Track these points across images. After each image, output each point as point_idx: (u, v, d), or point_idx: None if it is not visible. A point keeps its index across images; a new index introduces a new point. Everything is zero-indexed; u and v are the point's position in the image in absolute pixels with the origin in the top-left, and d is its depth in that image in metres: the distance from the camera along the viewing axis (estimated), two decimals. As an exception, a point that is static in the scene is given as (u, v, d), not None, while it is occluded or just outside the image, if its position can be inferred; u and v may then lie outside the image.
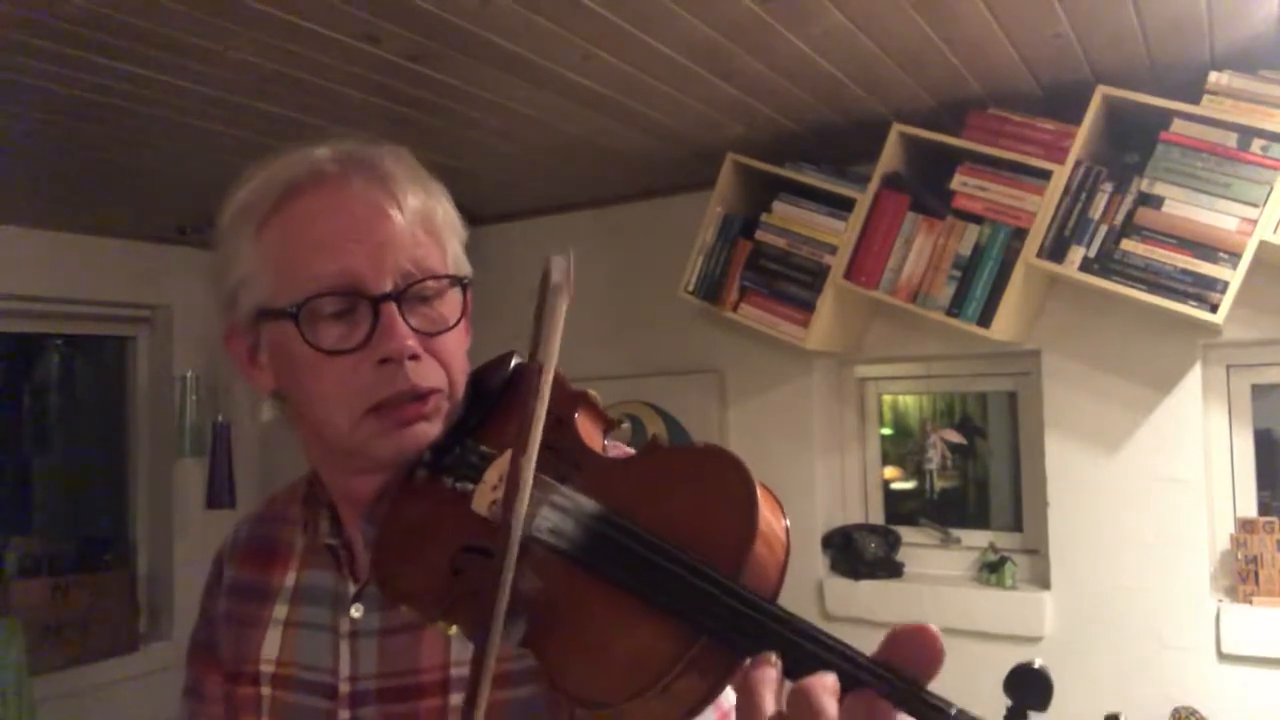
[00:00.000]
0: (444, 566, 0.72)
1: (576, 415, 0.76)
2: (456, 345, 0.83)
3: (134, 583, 3.48)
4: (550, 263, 0.71)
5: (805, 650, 0.56)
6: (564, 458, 0.72)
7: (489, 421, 0.81)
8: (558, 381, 0.72)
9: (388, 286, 0.78)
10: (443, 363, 0.81)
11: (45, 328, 3.50)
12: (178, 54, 1.79)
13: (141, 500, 3.61)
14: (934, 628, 0.55)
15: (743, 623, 0.58)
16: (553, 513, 0.68)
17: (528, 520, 0.66)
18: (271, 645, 0.90)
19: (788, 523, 0.67)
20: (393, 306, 0.77)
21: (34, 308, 3.26)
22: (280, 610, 0.91)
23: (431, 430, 0.79)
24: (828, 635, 0.57)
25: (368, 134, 0.86)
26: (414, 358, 0.78)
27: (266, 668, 0.90)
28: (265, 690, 0.89)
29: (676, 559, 0.62)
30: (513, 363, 0.85)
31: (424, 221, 0.81)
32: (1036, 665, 0.59)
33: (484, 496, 0.72)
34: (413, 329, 0.78)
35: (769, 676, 0.55)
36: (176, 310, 3.51)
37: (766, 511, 0.64)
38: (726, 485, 0.66)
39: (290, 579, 0.92)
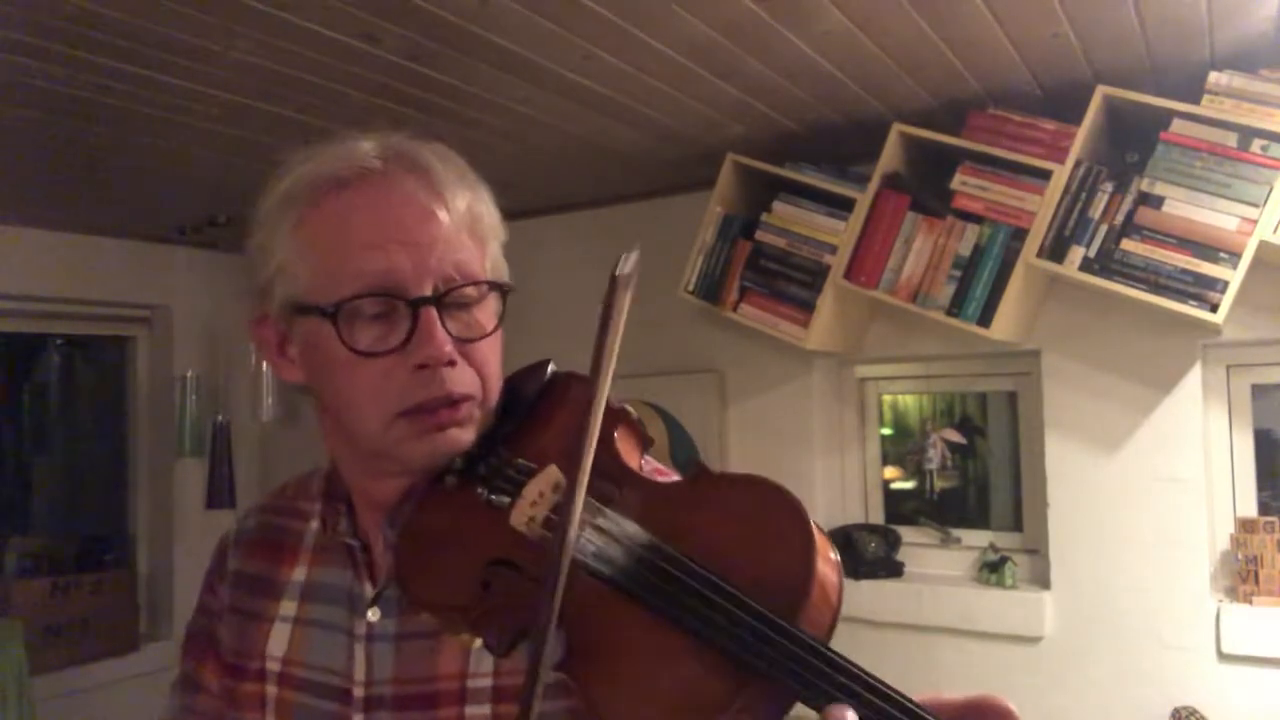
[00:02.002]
0: (472, 578, 0.70)
1: (616, 433, 0.73)
2: (492, 352, 0.81)
3: (134, 583, 3.48)
4: (620, 261, 0.68)
5: (864, 700, 0.55)
6: (605, 477, 0.70)
7: (523, 431, 0.79)
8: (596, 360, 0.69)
9: (428, 290, 0.76)
10: (478, 369, 0.79)
11: (45, 328, 3.50)
12: (178, 54, 1.79)
13: (141, 500, 3.61)
14: (1013, 708, 0.54)
15: (801, 668, 0.56)
16: (597, 537, 0.66)
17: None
18: (279, 642, 0.88)
19: (837, 557, 0.65)
20: (432, 311, 0.76)
21: (34, 308, 3.26)
22: (289, 607, 0.89)
23: (464, 436, 0.78)
24: (890, 686, 0.56)
25: (407, 131, 0.84)
26: (451, 364, 0.76)
27: (273, 665, 0.88)
28: (271, 689, 0.87)
29: (733, 598, 0.59)
30: (549, 370, 0.83)
31: (470, 224, 0.80)
32: None
33: (522, 512, 0.70)
34: (450, 334, 0.77)
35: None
36: (176, 310, 3.51)
37: (824, 552, 0.62)
38: (783, 525, 0.63)
39: (300, 574, 0.90)
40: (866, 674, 0.56)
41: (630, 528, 0.66)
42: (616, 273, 0.67)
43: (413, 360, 0.76)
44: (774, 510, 0.64)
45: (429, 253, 0.76)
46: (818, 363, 2.78)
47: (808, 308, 2.46)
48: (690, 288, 2.66)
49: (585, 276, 3.23)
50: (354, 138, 0.82)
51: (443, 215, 0.78)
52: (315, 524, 0.92)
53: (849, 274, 2.39)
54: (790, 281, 2.51)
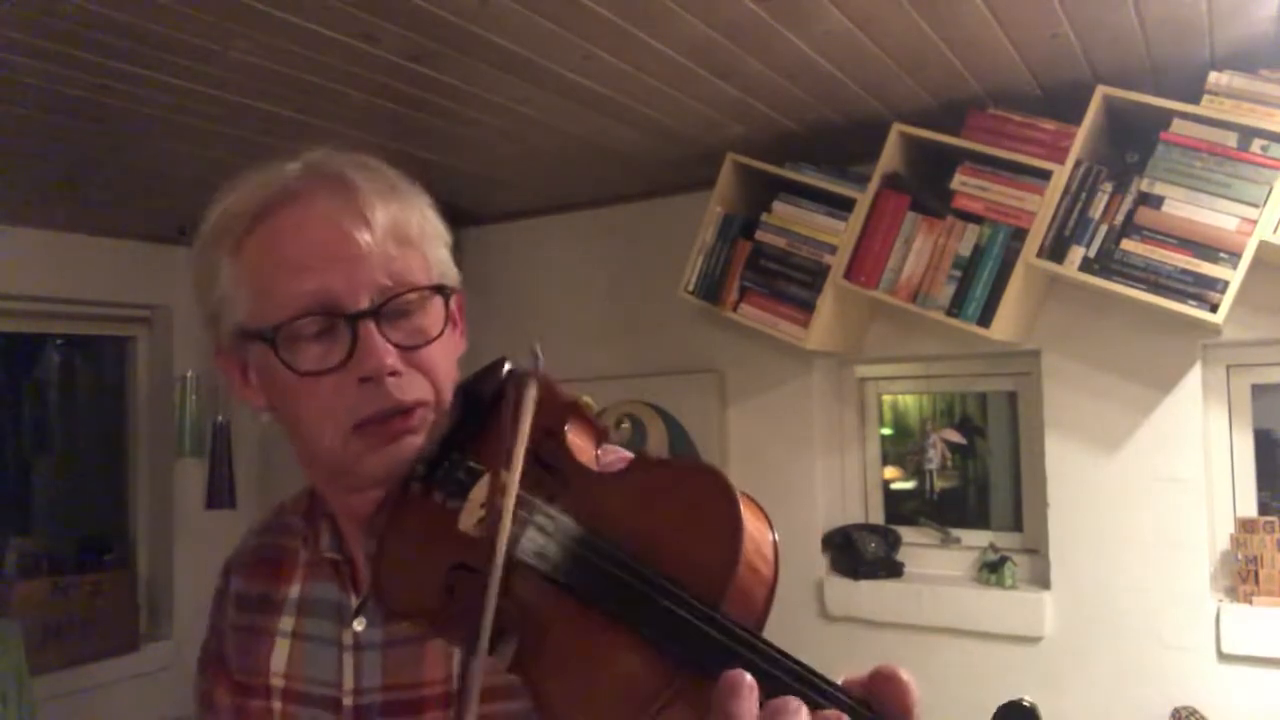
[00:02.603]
0: (437, 584, 0.71)
1: (566, 427, 0.74)
2: (441, 356, 0.82)
3: (134, 583, 3.48)
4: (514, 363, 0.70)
5: (787, 686, 0.55)
6: (552, 473, 0.71)
7: (481, 433, 0.79)
8: (548, 391, 0.71)
9: (364, 304, 0.77)
10: (427, 375, 0.80)
11: (45, 328, 3.50)
12: (178, 54, 1.79)
13: (141, 500, 3.61)
14: (905, 675, 0.56)
15: (725, 655, 0.57)
16: (537, 535, 0.67)
17: (512, 542, 0.65)
18: (279, 658, 0.90)
19: (775, 537, 0.65)
20: (370, 324, 0.77)
21: (34, 308, 3.26)
22: (286, 622, 0.91)
23: (417, 442, 0.79)
24: (814, 671, 0.57)
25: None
26: (395, 374, 0.77)
27: (276, 681, 0.90)
28: (276, 704, 0.89)
29: (656, 586, 0.61)
30: (505, 369, 0.83)
31: (397, 233, 0.80)
32: (1026, 703, 0.58)
33: (470, 514, 0.71)
34: (394, 344, 0.78)
35: (744, 685, 0.54)
36: (176, 310, 3.51)
37: (753, 532, 0.63)
38: (710, 507, 0.64)
39: (295, 591, 0.92)
40: (787, 656, 0.57)
41: (566, 523, 0.67)
42: (522, 369, 0.69)
43: (356, 375, 0.76)
44: (702, 494, 0.65)
45: (359, 267, 0.77)
46: (818, 363, 2.78)
47: (808, 308, 2.46)
48: (690, 288, 2.66)
49: (585, 276, 3.24)
50: (281, 161, 0.83)
51: (367, 229, 0.78)
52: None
53: (849, 274, 2.39)
54: (790, 281, 2.51)
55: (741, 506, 0.63)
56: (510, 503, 0.65)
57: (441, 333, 0.82)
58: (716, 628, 0.58)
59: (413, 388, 0.79)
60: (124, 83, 1.91)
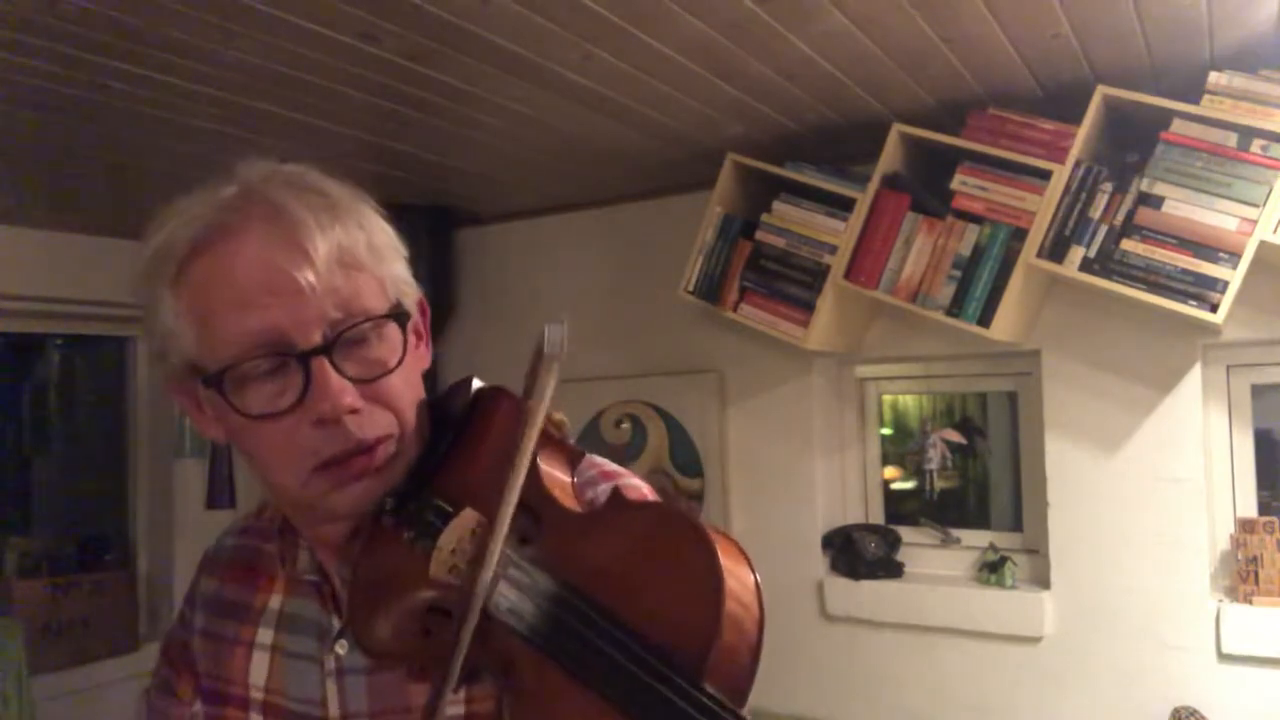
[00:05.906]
0: (414, 627, 0.70)
1: (540, 458, 0.71)
2: (403, 383, 0.77)
3: (134, 583, 3.49)
4: (545, 331, 0.65)
5: None
6: (526, 510, 0.68)
7: (450, 460, 0.77)
8: (517, 421, 0.67)
9: (316, 339, 0.72)
10: (388, 406, 0.76)
11: (45, 328, 3.50)
12: (178, 54, 1.79)
13: (141, 500, 3.61)
14: None
15: None
16: (511, 591, 0.65)
17: (487, 596, 0.64)
18: (259, 671, 0.88)
19: (757, 579, 0.62)
20: (324, 362, 0.71)
21: (34, 308, 3.26)
22: (265, 635, 0.89)
23: (382, 477, 0.75)
24: None
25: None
26: (354, 411, 0.73)
27: (256, 694, 0.88)
28: (256, 717, 0.88)
29: (639, 660, 0.58)
30: (473, 388, 0.81)
31: (344, 259, 0.74)
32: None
33: (441, 562, 0.69)
34: (351, 378, 0.73)
35: None
36: (176, 310, 3.51)
37: (735, 588, 0.60)
38: (689, 562, 0.60)
39: (276, 602, 0.89)
40: None
41: (541, 580, 0.65)
42: (545, 350, 0.64)
43: (312, 416, 0.72)
44: (678, 545, 0.62)
45: (304, 302, 0.71)
46: (818, 363, 2.78)
47: (808, 308, 2.46)
48: (690, 288, 2.66)
49: (585, 276, 3.24)
50: (218, 182, 0.79)
51: (308, 265, 0.72)
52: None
53: (849, 274, 2.39)
54: (790, 281, 2.50)
55: (721, 557, 0.60)
56: (488, 572, 0.62)
57: (401, 360, 0.77)
58: (699, 709, 0.56)
59: (374, 423, 0.74)
60: (123, 82, 1.91)
